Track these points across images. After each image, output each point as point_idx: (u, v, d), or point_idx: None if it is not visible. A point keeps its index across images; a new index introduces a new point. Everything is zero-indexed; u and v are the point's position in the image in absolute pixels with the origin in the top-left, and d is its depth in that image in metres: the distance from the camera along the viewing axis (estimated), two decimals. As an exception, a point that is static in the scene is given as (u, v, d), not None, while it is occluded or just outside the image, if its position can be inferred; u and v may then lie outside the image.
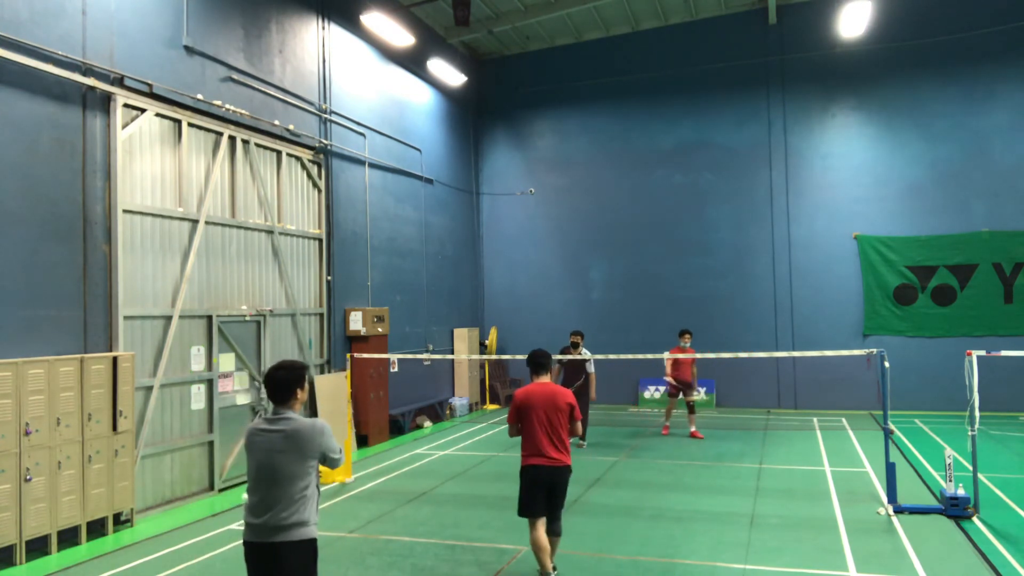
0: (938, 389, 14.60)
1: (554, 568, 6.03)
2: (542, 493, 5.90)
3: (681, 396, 13.24)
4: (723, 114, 16.76)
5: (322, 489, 9.48)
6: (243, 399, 10.38)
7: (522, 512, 5.97)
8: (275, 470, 3.95)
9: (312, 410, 11.79)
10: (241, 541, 4.13)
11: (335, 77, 12.99)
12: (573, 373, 12.22)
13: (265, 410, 10.59)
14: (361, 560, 6.78)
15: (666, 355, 12.53)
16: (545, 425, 5.93)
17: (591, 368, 12.07)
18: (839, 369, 15.05)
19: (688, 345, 13.01)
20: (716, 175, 16.79)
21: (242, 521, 4.12)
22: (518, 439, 6.13)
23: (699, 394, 13.20)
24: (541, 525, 5.91)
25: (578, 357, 11.81)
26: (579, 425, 6.20)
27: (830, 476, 9.70)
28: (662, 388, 13.51)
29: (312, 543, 4.01)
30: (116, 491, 7.91)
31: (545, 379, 6.18)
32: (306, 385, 4.24)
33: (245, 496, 4.13)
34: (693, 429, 13.06)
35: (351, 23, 13.55)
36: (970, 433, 7.68)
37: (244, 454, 4.15)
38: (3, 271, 7.29)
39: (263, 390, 10.60)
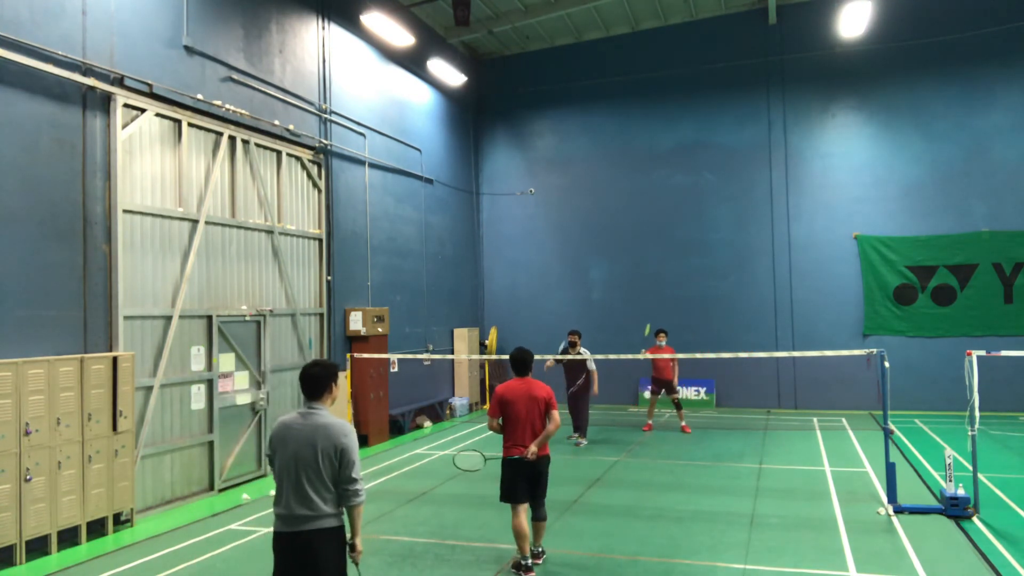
0: (938, 389, 14.61)
1: (542, 552, 6.55)
2: (524, 482, 6.27)
3: (665, 395, 13.62)
4: (723, 114, 16.76)
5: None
6: (243, 399, 10.37)
7: (504, 498, 6.33)
8: (305, 461, 4.08)
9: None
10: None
11: (335, 77, 12.99)
12: (574, 372, 12.28)
13: (264, 409, 10.60)
14: (361, 560, 6.76)
15: (643, 354, 12.80)
16: (524, 418, 6.29)
17: (592, 365, 12.15)
18: (839, 369, 15.05)
19: (664, 344, 13.28)
20: (716, 175, 16.79)
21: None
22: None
23: (679, 391, 13.55)
24: (523, 512, 6.26)
25: (578, 357, 11.84)
26: (556, 414, 6.44)
27: (830, 476, 9.70)
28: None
29: (340, 531, 4.15)
30: (116, 491, 7.91)
31: (526, 377, 6.54)
32: (339, 382, 4.43)
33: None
34: (683, 424, 13.44)
35: (351, 23, 13.55)
36: (970, 433, 7.69)
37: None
38: (3, 271, 7.29)
39: (263, 388, 10.63)
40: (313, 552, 4.04)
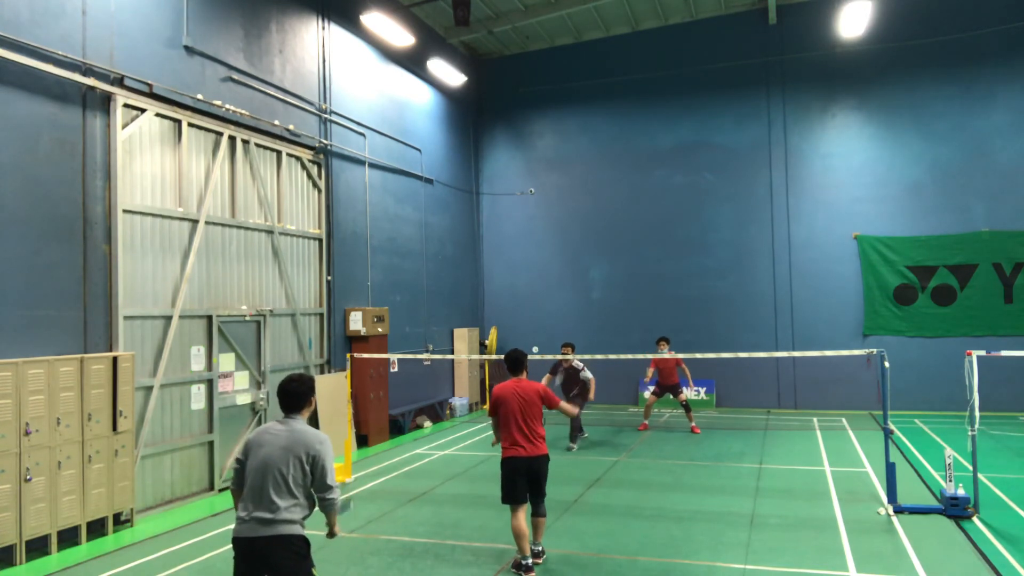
0: (938, 389, 14.60)
1: (542, 551, 6.63)
2: (522, 481, 6.34)
3: (672, 398, 13.66)
4: (723, 114, 16.75)
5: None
6: (243, 399, 10.38)
7: (506, 499, 6.41)
8: (274, 464, 4.08)
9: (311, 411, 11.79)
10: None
11: (335, 77, 12.99)
12: (570, 383, 12.18)
13: (264, 409, 10.61)
14: (361, 560, 6.78)
15: (651, 367, 12.95)
16: (519, 418, 6.37)
17: (587, 375, 12.02)
18: (839, 369, 15.04)
19: (666, 351, 13.28)
20: (716, 175, 16.79)
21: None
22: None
23: (685, 393, 13.53)
24: (522, 512, 6.33)
25: (573, 367, 11.80)
26: (563, 404, 6.67)
27: (830, 476, 9.70)
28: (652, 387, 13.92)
29: (300, 540, 4.10)
30: (116, 491, 7.91)
31: (520, 376, 6.63)
32: (315, 396, 4.50)
33: None
34: (692, 425, 13.45)
35: (351, 23, 13.55)
36: (970, 433, 7.68)
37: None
38: (3, 271, 7.29)
39: (263, 388, 10.62)
40: (271, 559, 3.98)
